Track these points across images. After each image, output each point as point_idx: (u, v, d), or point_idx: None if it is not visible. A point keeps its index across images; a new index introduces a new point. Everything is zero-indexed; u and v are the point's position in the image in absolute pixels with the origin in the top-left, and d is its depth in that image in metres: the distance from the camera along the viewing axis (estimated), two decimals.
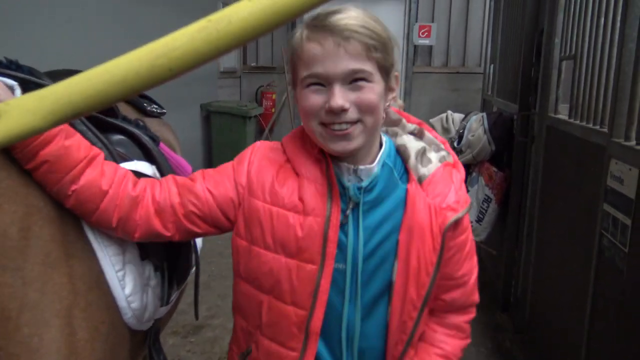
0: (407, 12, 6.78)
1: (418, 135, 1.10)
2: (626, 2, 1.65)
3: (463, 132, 3.44)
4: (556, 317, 2.27)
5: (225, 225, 1.06)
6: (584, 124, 2.04)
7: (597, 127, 1.90)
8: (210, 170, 1.07)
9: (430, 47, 6.78)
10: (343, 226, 0.99)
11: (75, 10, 3.28)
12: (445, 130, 3.75)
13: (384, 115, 1.01)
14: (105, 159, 1.06)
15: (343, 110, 0.91)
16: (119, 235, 1.03)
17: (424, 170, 1.02)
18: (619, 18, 1.76)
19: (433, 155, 1.06)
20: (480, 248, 3.87)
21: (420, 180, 1.02)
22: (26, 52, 2.81)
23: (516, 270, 3.00)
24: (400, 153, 1.05)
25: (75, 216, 1.00)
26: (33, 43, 2.87)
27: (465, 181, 3.48)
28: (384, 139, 1.05)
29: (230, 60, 6.75)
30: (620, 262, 1.56)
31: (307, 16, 0.88)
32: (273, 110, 7.10)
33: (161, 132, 1.65)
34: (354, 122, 0.93)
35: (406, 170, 1.04)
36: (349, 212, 0.99)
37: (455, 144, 3.50)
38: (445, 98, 6.61)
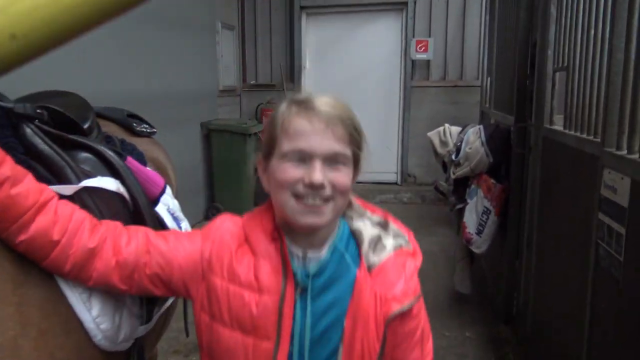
0: (404, 28, 6.84)
1: (382, 227, 1.09)
2: (614, 15, 1.68)
3: (461, 145, 3.46)
4: (557, 328, 2.26)
5: (182, 294, 1.08)
6: (578, 134, 2.06)
7: (591, 137, 1.92)
8: (182, 237, 1.09)
9: (427, 62, 6.82)
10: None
11: None
12: (443, 143, 3.77)
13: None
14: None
15: (320, 187, 0.95)
16: (70, 279, 1.02)
17: (375, 259, 1.04)
18: (608, 30, 1.78)
19: (389, 242, 1.06)
20: (482, 261, 3.87)
21: (369, 269, 1.03)
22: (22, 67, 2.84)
23: (517, 282, 3.00)
24: (355, 237, 1.07)
25: None
26: None
27: (464, 194, 3.51)
28: (340, 222, 1.07)
29: (230, 79, 6.80)
30: (616, 271, 1.56)
31: (291, 96, 0.99)
32: None
33: (150, 151, 1.65)
34: (327, 200, 0.96)
35: (359, 255, 1.05)
36: (297, 296, 1.00)
37: (453, 156, 3.52)
38: (444, 111, 6.64)
